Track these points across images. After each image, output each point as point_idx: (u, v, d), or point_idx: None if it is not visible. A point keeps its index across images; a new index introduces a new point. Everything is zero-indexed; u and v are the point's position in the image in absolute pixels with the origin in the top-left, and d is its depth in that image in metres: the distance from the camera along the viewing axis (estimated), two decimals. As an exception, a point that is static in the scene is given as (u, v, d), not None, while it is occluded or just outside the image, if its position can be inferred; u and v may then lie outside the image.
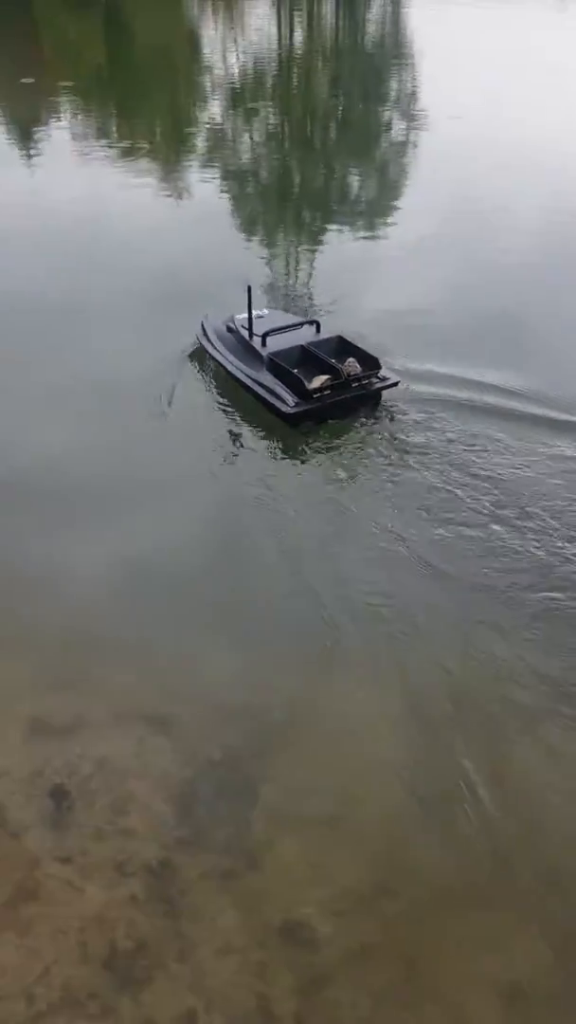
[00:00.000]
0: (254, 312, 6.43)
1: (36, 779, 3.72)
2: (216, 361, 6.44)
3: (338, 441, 5.91)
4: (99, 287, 8.11)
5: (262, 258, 9.00)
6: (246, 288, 6.45)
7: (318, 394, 5.97)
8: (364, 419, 6.07)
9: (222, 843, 3.63)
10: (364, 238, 9.50)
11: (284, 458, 5.90)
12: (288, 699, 4.30)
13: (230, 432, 6.17)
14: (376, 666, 4.42)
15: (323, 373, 6.12)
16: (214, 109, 16.35)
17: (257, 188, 11.85)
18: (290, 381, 6.01)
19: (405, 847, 3.67)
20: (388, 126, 15.24)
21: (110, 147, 13.57)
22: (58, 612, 4.71)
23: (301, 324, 6.62)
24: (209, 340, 6.56)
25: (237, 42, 23.90)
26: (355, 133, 15.10)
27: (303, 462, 5.84)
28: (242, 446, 6.08)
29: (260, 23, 26.44)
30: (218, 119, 15.66)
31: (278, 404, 5.97)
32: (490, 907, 3.46)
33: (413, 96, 17.34)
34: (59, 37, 23.37)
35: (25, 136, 13.95)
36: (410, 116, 15.51)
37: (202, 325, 6.77)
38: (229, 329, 6.57)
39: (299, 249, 9.27)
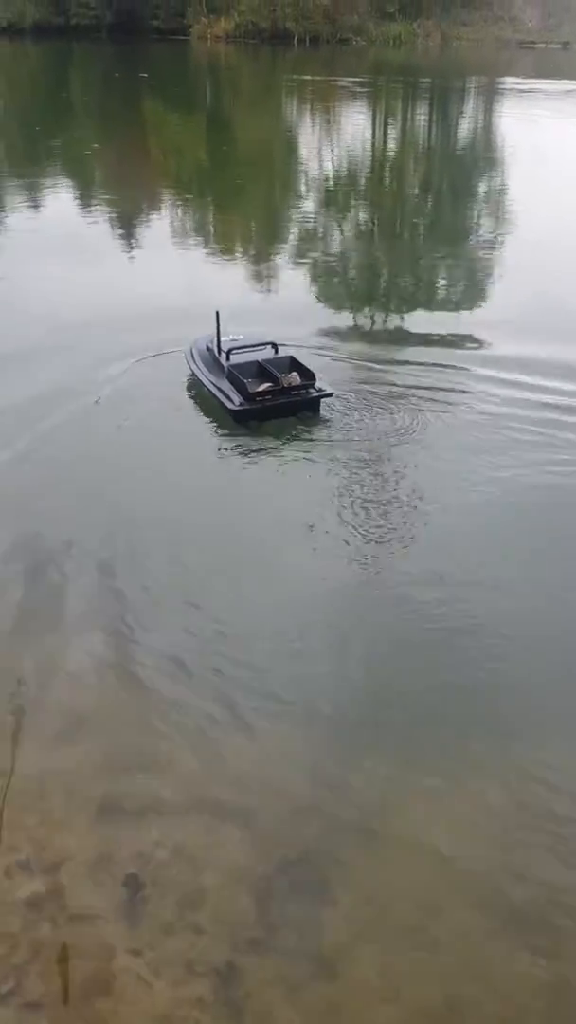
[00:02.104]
0: (232, 336, 8.12)
1: (109, 866, 3.67)
2: (192, 372, 8.09)
3: (273, 435, 7.37)
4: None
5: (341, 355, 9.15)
6: (215, 313, 7.96)
7: (260, 397, 7.45)
8: (301, 423, 7.51)
9: (293, 948, 3.50)
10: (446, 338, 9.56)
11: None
12: (365, 797, 4.19)
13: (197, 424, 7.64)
14: (463, 766, 4.30)
15: (265, 383, 7.67)
16: (307, 206, 17.00)
17: (344, 283, 12.17)
18: (239, 386, 7.50)
19: (485, 965, 3.49)
20: (476, 225, 15.61)
21: (206, 241, 14.21)
22: (125, 689, 4.70)
23: (261, 345, 8.09)
24: (192, 358, 8.18)
25: (333, 143, 24.93)
26: (443, 230, 15.47)
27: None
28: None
29: (356, 126, 27.63)
30: (311, 216, 16.25)
31: (227, 403, 7.45)
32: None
33: (502, 196, 17.76)
34: (165, 138, 24.74)
35: (128, 231, 14.70)
36: (498, 216, 15.87)
37: (190, 347, 8.31)
38: (207, 348, 8.15)
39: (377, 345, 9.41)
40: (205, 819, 3.96)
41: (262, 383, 7.65)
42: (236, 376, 7.61)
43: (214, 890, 3.66)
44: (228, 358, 7.83)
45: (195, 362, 8.09)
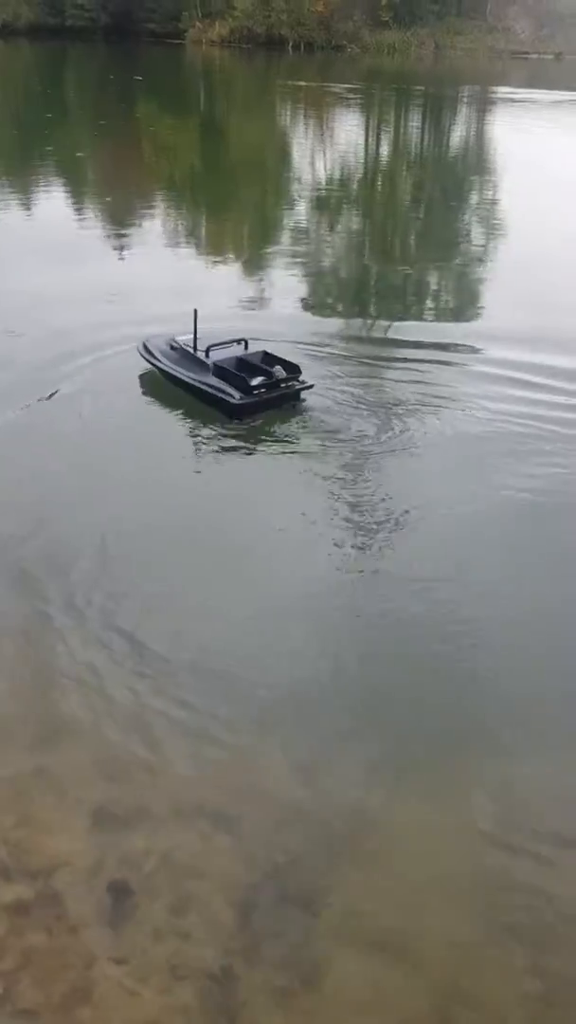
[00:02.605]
0: (179, 336, 8.17)
1: (98, 871, 3.65)
2: (163, 371, 8.08)
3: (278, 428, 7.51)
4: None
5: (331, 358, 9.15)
6: (193, 312, 7.96)
7: (257, 391, 7.55)
8: (292, 413, 7.73)
9: (280, 956, 3.48)
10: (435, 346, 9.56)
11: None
12: (353, 806, 4.19)
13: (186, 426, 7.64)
14: (449, 776, 4.30)
15: (256, 376, 7.73)
16: (298, 211, 17.03)
17: (331, 286, 12.17)
18: (235, 381, 7.59)
19: (471, 976, 3.49)
20: (466, 233, 15.67)
21: (196, 244, 14.21)
22: (120, 693, 4.68)
23: (234, 342, 8.17)
24: (154, 356, 8.20)
25: (325, 149, 24.99)
26: (434, 238, 15.52)
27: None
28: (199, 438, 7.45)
29: (349, 132, 27.72)
30: (301, 220, 16.28)
31: (226, 398, 7.52)
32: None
33: (492, 205, 17.85)
34: (158, 142, 24.73)
35: (119, 231, 14.67)
36: (488, 224, 15.95)
37: (144, 346, 8.32)
38: (172, 347, 8.13)
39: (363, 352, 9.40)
40: (194, 825, 3.94)
41: (253, 377, 7.68)
42: (228, 371, 7.68)
43: (202, 897, 3.64)
44: (208, 355, 7.87)
45: (162, 360, 8.10)
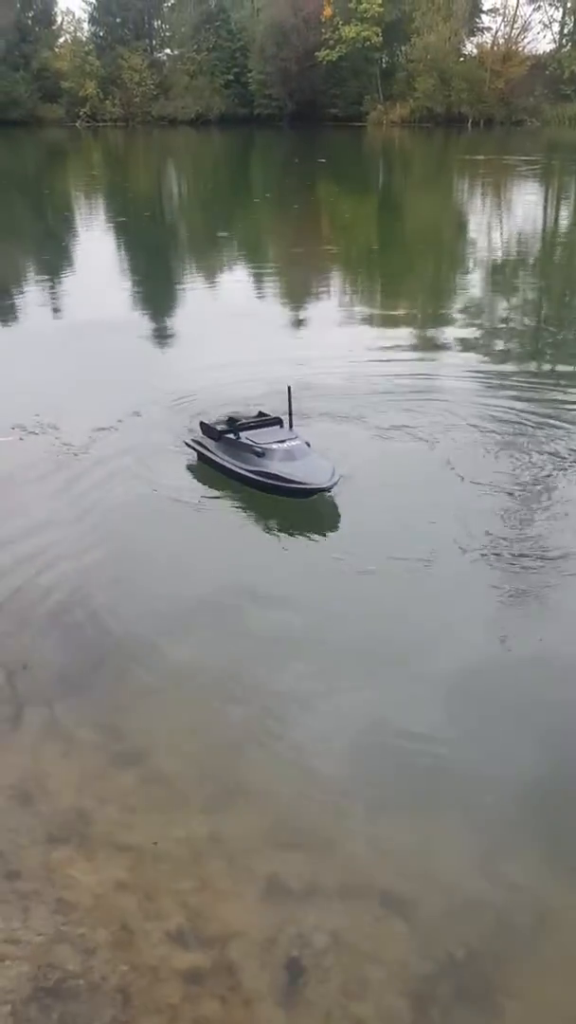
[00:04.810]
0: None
1: (271, 946, 3.61)
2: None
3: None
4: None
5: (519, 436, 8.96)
6: (287, 389, 7.80)
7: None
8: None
9: (457, 1056, 3.31)
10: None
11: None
12: (533, 898, 3.96)
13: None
14: None
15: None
16: (474, 283, 17.05)
17: (508, 357, 11.97)
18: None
19: None
20: None
21: (372, 316, 14.46)
22: (292, 764, 4.66)
23: (273, 422, 7.96)
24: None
25: (502, 219, 25.03)
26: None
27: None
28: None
29: (527, 202, 27.64)
30: (477, 292, 16.26)
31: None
32: None
33: None
34: (337, 217, 25.58)
35: (296, 302, 15.21)
36: None
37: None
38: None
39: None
40: (367, 906, 3.84)
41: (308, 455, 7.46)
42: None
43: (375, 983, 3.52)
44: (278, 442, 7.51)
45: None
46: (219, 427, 7.95)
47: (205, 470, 7.92)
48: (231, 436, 7.73)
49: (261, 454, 7.41)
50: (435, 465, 7.93)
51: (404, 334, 13.10)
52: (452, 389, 10.02)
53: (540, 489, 7.45)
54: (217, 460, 7.77)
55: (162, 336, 13.33)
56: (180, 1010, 3.31)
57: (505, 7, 61.52)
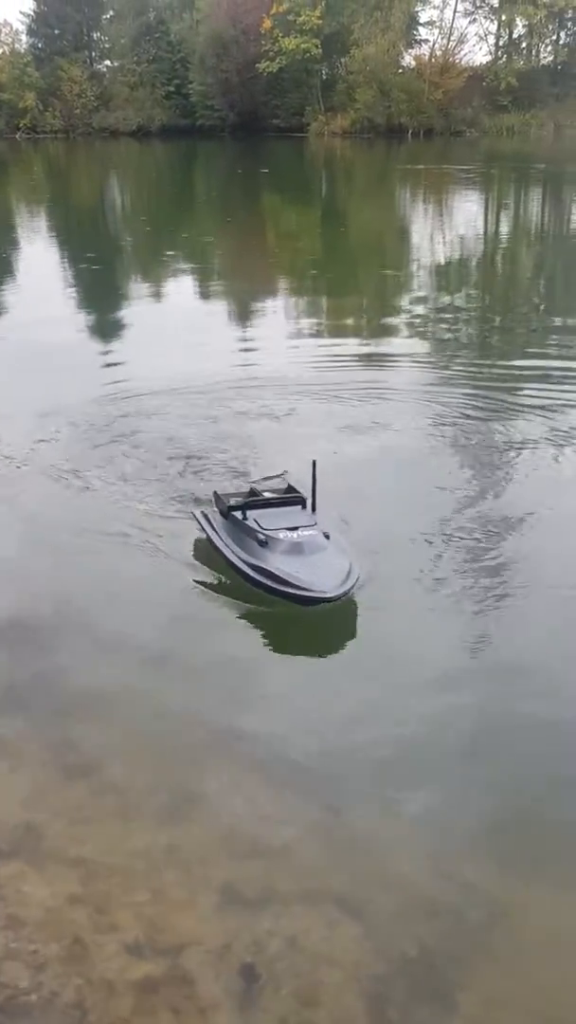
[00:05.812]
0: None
1: (225, 953, 3.59)
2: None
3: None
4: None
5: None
6: (312, 464, 6.34)
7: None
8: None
9: (414, 1055, 3.32)
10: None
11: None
12: (487, 898, 4.00)
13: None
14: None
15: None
16: (417, 289, 17.27)
17: (453, 364, 12.13)
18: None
19: None
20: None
21: (317, 325, 14.56)
22: (254, 774, 4.66)
23: (293, 499, 6.51)
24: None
25: (444, 227, 25.42)
26: (556, 316, 15.36)
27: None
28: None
29: (467, 211, 28.11)
30: (420, 298, 16.47)
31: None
32: None
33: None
34: (281, 227, 25.74)
35: (243, 314, 15.25)
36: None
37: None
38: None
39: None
40: (322, 910, 3.84)
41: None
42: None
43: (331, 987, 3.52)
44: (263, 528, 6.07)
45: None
46: (232, 501, 6.44)
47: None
48: (237, 515, 6.27)
49: (263, 543, 5.93)
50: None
51: (348, 342, 13.23)
52: (399, 389, 10.16)
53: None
54: (216, 542, 6.31)
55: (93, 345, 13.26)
56: (133, 1022, 3.27)
57: (441, 20, 62.82)
